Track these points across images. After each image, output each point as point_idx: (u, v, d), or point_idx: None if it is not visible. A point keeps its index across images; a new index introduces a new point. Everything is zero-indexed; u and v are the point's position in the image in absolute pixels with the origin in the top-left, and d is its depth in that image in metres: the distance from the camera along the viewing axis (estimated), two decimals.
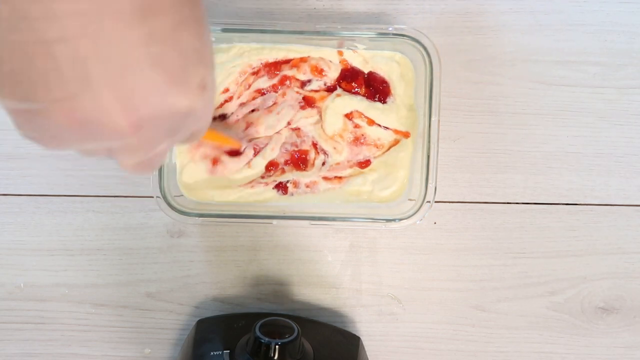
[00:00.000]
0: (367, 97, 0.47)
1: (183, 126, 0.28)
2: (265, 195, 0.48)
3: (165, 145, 0.29)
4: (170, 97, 0.26)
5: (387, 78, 0.47)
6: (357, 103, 0.47)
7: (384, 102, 0.47)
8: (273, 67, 0.47)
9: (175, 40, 0.25)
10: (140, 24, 0.24)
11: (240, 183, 0.47)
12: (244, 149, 0.47)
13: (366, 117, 0.47)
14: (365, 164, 0.48)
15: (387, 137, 0.47)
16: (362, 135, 0.47)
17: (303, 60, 0.47)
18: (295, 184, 0.47)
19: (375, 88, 0.47)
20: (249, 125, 0.47)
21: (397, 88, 0.47)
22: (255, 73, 0.47)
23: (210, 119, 0.31)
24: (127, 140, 0.26)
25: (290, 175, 0.47)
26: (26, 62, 0.23)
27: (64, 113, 0.24)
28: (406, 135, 0.47)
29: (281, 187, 0.47)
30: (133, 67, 0.24)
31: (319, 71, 0.47)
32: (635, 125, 0.50)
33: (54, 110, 0.24)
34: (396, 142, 0.48)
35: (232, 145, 0.47)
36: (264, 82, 0.47)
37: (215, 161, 0.47)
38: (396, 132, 0.47)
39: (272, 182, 0.47)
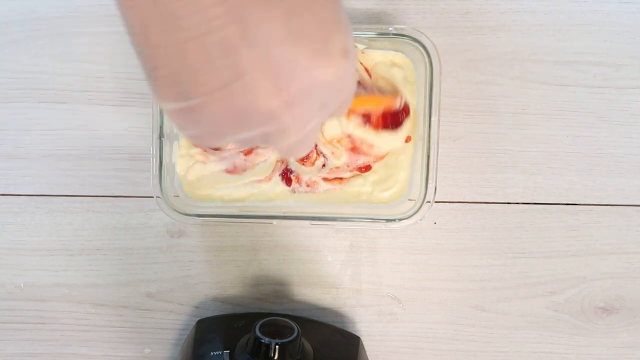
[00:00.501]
0: (381, 125, 0.46)
1: (332, 97, 0.28)
2: (274, 191, 0.47)
3: (317, 121, 0.29)
4: (316, 68, 0.26)
5: (391, 83, 0.47)
6: (352, 129, 0.46)
7: (395, 128, 0.46)
8: None
9: (313, 10, 0.25)
10: (278, 1, 0.24)
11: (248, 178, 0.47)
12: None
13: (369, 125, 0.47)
14: (365, 168, 0.48)
15: (388, 147, 0.47)
16: (362, 143, 0.47)
17: None
18: (298, 179, 0.47)
19: (392, 116, 0.46)
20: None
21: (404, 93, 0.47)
22: None
23: (354, 87, 0.30)
24: (281, 120, 0.26)
25: (293, 164, 0.47)
26: (180, 61, 0.24)
27: (221, 103, 0.25)
28: (407, 139, 0.47)
29: (285, 177, 0.47)
30: (278, 45, 0.24)
31: None
32: (635, 125, 0.50)
33: (211, 103, 0.25)
34: None
35: (387, 103, 0.45)
36: None
37: (235, 167, 0.47)
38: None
39: (278, 167, 0.47)
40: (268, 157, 0.47)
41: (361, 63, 0.47)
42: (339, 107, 0.31)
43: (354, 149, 0.47)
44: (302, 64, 0.25)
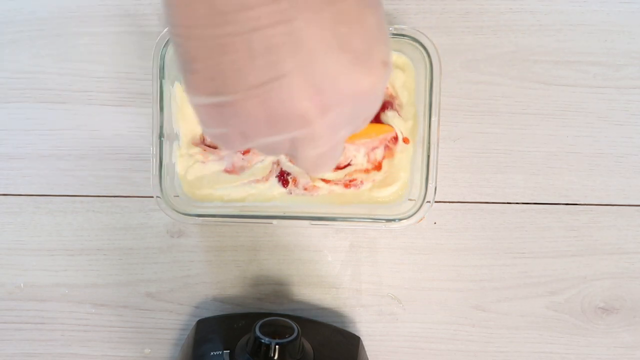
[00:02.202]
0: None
1: (364, 108, 0.28)
2: (271, 192, 0.47)
3: (345, 133, 0.29)
4: (357, 76, 0.26)
5: (389, 87, 0.47)
6: (331, 175, 0.47)
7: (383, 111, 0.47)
8: None
9: (361, 19, 0.25)
10: (329, 5, 0.24)
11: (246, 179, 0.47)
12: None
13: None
14: (376, 167, 0.48)
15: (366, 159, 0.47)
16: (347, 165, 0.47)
17: None
18: (295, 182, 0.47)
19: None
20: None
21: (401, 97, 0.47)
22: None
23: (382, 99, 0.30)
24: (313, 126, 0.26)
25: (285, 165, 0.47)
26: (221, 55, 0.24)
27: (256, 102, 0.25)
28: (406, 141, 0.47)
29: (282, 179, 0.47)
30: (322, 50, 0.24)
31: None
32: (635, 125, 0.50)
33: (247, 100, 0.25)
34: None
35: (384, 132, 0.45)
36: None
37: (234, 167, 0.47)
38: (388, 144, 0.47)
39: (275, 168, 0.47)
40: (265, 157, 0.47)
41: None
42: (364, 120, 0.31)
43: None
44: (344, 71, 0.25)
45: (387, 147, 0.47)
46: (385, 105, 0.47)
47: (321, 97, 0.25)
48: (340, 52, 0.25)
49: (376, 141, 0.46)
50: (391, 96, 0.47)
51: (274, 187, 0.47)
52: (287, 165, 0.47)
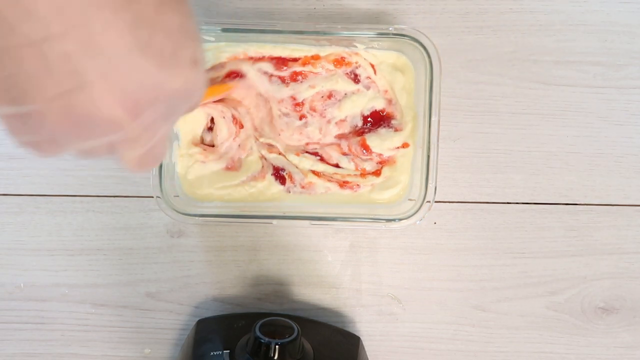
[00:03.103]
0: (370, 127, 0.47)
1: (179, 105, 0.28)
2: (270, 191, 0.47)
3: (165, 131, 0.29)
4: (165, 78, 0.25)
5: (388, 89, 0.47)
6: (320, 166, 0.47)
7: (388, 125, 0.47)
8: (279, 61, 0.47)
9: (160, 21, 0.25)
10: (124, 10, 0.23)
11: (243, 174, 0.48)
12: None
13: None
14: (375, 173, 0.48)
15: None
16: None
17: (315, 57, 0.47)
18: (291, 178, 0.47)
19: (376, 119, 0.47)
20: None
21: (400, 100, 0.47)
22: (258, 59, 0.47)
23: (203, 92, 0.30)
24: (127, 130, 0.26)
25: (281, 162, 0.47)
26: (15, 66, 0.23)
27: (59, 111, 0.24)
28: (405, 145, 0.47)
29: (278, 177, 0.47)
30: (123, 55, 0.24)
31: (346, 64, 0.47)
32: (635, 125, 0.50)
33: (50, 110, 0.24)
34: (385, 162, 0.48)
35: (223, 90, 0.45)
36: (269, 68, 0.47)
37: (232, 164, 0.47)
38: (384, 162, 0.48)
39: (266, 163, 0.47)
40: (250, 151, 0.48)
41: (365, 59, 0.47)
42: (185, 111, 0.30)
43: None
44: (150, 74, 0.25)
45: (380, 162, 0.48)
46: (380, 122, 0.47)
47: (129, 101, 0.25)
48: (144, 55, 0.24)
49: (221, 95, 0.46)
50: (390, 101, 0.47)
51: (272, 185, 0.47)
52: (273, 158, 0.47)
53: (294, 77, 0.47)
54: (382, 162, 0.48)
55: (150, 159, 0.30)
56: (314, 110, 0.47)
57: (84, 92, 0.24)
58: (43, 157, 0.28)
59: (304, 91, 0.47)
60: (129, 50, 0.24)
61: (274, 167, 0.47)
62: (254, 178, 0.47)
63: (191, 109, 0.31)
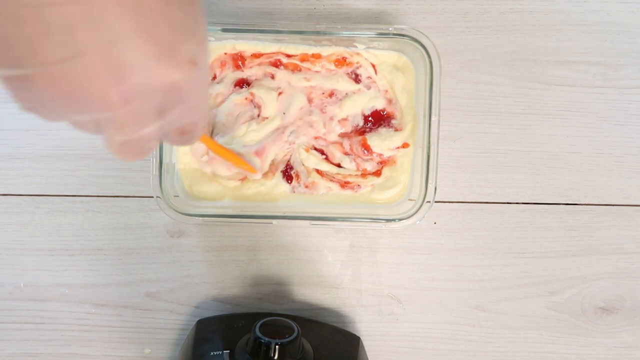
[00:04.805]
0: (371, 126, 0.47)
1: (173, 104, 0.28)
2: (277, 190, 0.47)
3: (154, 129, 0.29)
4: (159, 69, 0.25)
5: (389, 89, 0.47)
6: (324, 165, 0.48)
7: (388, 125, 0.47)
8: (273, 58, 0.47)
9: (166, 13, 0.25)
10: None
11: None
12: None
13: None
14: (375, 173, 0.48)
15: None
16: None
17: (315, 56, 0.47)
18: (298, 177, 0.47)
19: (377, 119, 0.47)
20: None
21: (401, 100, 0.47)
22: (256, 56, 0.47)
23: (206, 113, 0.30)
24: (115, 112, 0.26)
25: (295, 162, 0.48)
26: (17, 26, 0.23)
27: (50, 79, 0.24)
28: (405, 145, 0.47)
29: (286, 175, 0.47)
30: (123, 36, 0.24)
31: (347, 64, 0.47)
32: (635, 125, 0.50)
33: (41, 76, 0.24)
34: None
35: (243, 166, 0.46)
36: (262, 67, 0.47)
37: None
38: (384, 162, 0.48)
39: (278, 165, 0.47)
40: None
41: (366, 59, 0.47)
42: (187, 124, 0.30)
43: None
44: (146, 61, 0.25)
45: (381, 162, 0.48)
46: (380, 122, 0.47)
47: (123, 83, 0.25)
48: (142, 42, 0.24)
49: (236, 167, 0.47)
50: (390, 101, 0.47)
51: (280, 183, 0.48)
52: (296, 162, 0.48)
53: (292, 70, 0.47)
54: (383, 163, 0.48)
55: (133, 150, 0.30)
56: (311, 102, 0.47)
57: (80, 63, 0.24)
58: (46, 120, 0.28)
59: (297, 82, 0.47)
60: (130, 32, 0.24)
61: (287, 164, 0.48)
62: (264, 175, 0.47)
63: (192, 133, 0.31)
